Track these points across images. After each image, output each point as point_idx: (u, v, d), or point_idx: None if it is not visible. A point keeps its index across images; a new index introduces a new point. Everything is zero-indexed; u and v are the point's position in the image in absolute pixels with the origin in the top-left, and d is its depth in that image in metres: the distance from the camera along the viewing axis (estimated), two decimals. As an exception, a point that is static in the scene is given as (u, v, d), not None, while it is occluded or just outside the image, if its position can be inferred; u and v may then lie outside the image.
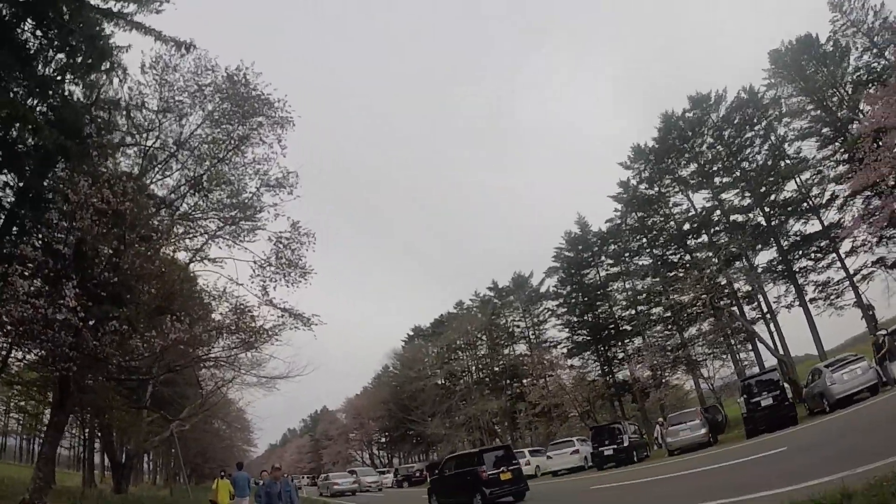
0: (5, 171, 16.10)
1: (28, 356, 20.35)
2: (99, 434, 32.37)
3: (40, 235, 16.15)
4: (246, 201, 19.34)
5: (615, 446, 25.77)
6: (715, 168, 39.98)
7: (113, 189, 14.58)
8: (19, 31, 15.62)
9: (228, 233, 19.72)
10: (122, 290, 15.31)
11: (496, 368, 62.68)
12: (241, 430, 62.80)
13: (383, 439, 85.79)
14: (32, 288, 14.06)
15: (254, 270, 18.70)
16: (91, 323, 14.54)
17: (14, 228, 16.72)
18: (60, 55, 16.58)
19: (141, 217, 15.64)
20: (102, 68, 17.04)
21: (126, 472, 31.12)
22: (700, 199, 41.13)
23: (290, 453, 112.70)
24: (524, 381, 58.77)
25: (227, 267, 19.88)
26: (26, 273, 13.99)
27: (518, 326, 62.70)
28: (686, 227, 41.53)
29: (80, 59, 16.44)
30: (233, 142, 18.51)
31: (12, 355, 22.85)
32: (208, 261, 20.14)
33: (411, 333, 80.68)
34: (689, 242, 41.28)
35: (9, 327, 13.71)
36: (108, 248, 15.24)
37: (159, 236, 17.54)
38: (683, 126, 41.17)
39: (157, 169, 18.28)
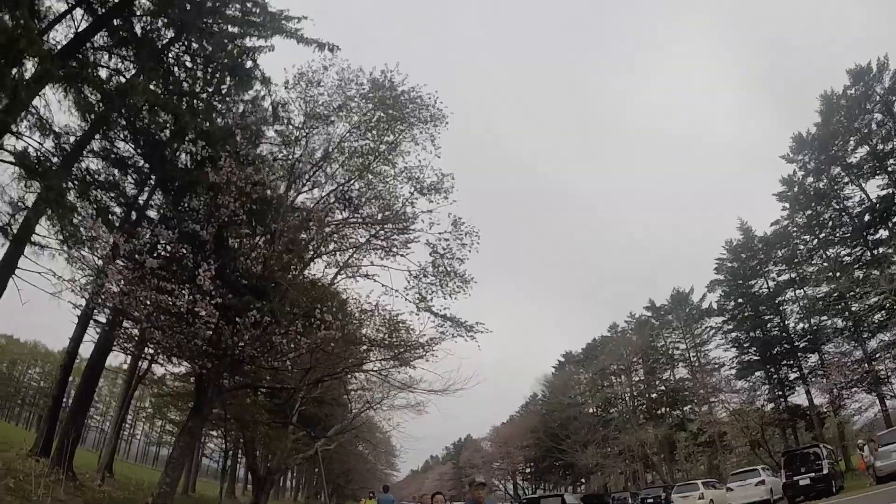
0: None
1: (172, 362, 21.98)
2: (243, 447, 34.74)
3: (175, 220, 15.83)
4: (398, 212, 19.63)
5: (813, 474, 23.20)
6: (889, 147, 36.40)
7: (258, 171, 14.77)
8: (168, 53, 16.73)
9: (380, 247, 20.17)
10: (266, 284, 14.69)
11: (653, 395, 61.25)
12: (386, 454, 64.81)
13: (528, 469, 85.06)
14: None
15: (408, 282, 18.88)
16: (228, 314, 14.17)
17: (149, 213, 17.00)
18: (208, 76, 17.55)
19: (287, 226, 16.18)
20: (249, 90, 17.82)
21: (266, 486, 33.00)
22: (874, 186, 37.76)
23: (431, 480, 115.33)
24: (685, 408, 56.33)
25: (380, 280, 20.36)
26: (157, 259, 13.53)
27: (678, 348, 61.02)
28: (866, 218, 38.10)
29: (227, 82, 17.30)
30: (383, 148, 19.10)
31: (159, 362, 25.08)
32: (360, 276, 20.78)
33: (562, 359, 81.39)
34: (868, 238, 38.11)
35: (143, 313, 13.31)
36: (252, 238, 14.87)
37: (307, 249, 17.87)
38: (847, 105, 38.21)
39: (303, 183, 18.76)
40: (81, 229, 14.33)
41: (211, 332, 14.06)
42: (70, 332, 18.60)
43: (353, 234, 20.70)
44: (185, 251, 13.67)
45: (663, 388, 60.33)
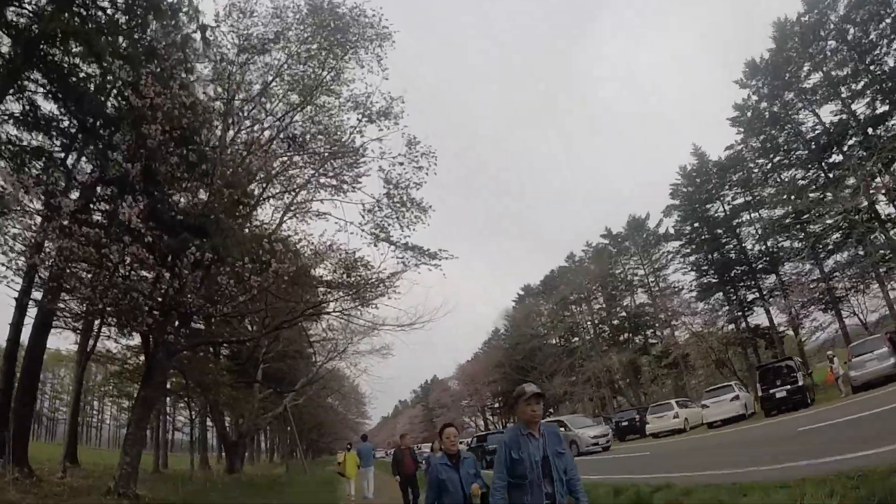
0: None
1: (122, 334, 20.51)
2: (210, 414, 33.81)
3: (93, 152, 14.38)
4: (346, 143, 18.61)
5: (788, 387, 23.41)
6: (843, 73, 37.07)
7: (188, 93, 13.37)
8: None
9: (330, 186, 19.39)
10: (206, 220, 13.09)
11: (615, 322, 62.80)
12: (356, 403, 64.86)
13: (497, 404, 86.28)
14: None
15: (363, 217, 18.18)
16: (165, 257, 12.93)
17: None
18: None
19: (225, 160, 14.80)
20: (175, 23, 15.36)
21: (239, 451, 32.47)
22: (827, 112, 38.71)
23: (402, 424, 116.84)
24: (647, 332, 57.33)
25: (333, 217, 19.22)
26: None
27: (636, 274, 62.71)
28: (822, 141, 38.78)
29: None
30: (326, 77, 17.91)
31: (109, 335, 23.75)
32: (310, 216, 19.84)
33: (521, 293, 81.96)
34: (823, 162, 38.97)
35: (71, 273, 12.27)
36: (185, 170, 13.38)
37: (249, 189, 16.76)
38: (801, 31, 38.60)
39: (242, 121, 17.34)
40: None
41: (149, 283, 13.05)
42: (7, 320, 17.14)
43: (299, 174, 19.52)
44: (109, 192, 12.59)
45: (624, 314, 62.05)
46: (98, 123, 13.95)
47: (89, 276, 12.76)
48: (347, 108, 18.75)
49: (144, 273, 13.50)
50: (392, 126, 18.26)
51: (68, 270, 12.46)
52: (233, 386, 29.12)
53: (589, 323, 66.62)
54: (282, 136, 18.77)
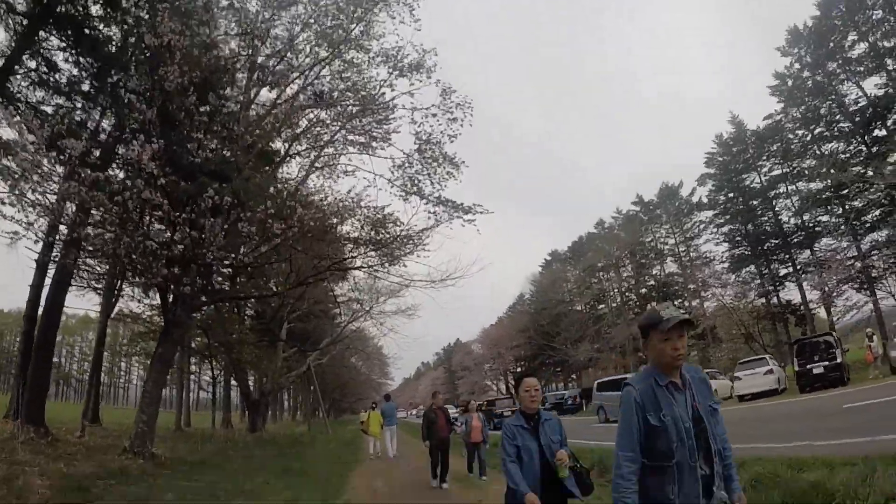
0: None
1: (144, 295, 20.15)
2: (234, 373, 33.94)
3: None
4: (375, 97, 17.98)
5: (826, 363, 22.52)
6: (890, 44, 35.40)
7: (208, 29, 13.02)
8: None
9: (359, 143, 18.83)
10: (227, 166, 12.67)
11: (642, 290, 61.86)
12: (379, 364, 65.12)
13: (519, 368, 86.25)
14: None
15: (393, 173, 17.86)
16: (181, 204, 12.29)
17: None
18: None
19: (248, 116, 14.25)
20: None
21: (262, 410, 32.54)
22: (871, 85, 37.17)
23: (423, 386, 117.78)
24: (675, 301, 56.24)
25: (362, 173, 18.64)
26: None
27: (666, 243, 61.57)
28: (868, 113, 37.19)
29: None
30: (355, 31, 17.22)
31: (131, 295, 23.55)
32: (338, 174, 19.34)
33: (549, 258, 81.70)
34: (866, 136, 37.62)
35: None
36: (203, 114, 12.81)
37: (272, 145, 16.34)
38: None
39: (268, 76, 16.88)
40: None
41: (166, 231, 12.51)
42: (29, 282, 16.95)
43: (326, 131, 18.97)
44: (123, 134, 12.11)
45: (653, 283, 61.31)
46: (113, 68, 13.48)
47: (101, 229, 12.37)
48: (377, 63, 18.23)
49: (159, 224, 12.96)
50: (424, 79, 17.64)
51: (79, 219, 12.09)
52: (256, 345, 29.06)
53: (616, 291, 66.03)
54: (308, 91, 18.20)
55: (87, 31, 13.51)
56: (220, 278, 26.00)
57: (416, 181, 17.85)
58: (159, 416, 14.29)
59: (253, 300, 32.65)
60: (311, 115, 19.12)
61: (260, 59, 16.62)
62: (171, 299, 14.76)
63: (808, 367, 23.01)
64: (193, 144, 12.37)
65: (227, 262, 14.23)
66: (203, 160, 12.50)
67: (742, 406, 24.01)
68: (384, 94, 18.26)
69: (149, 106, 12.06)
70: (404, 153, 18.02)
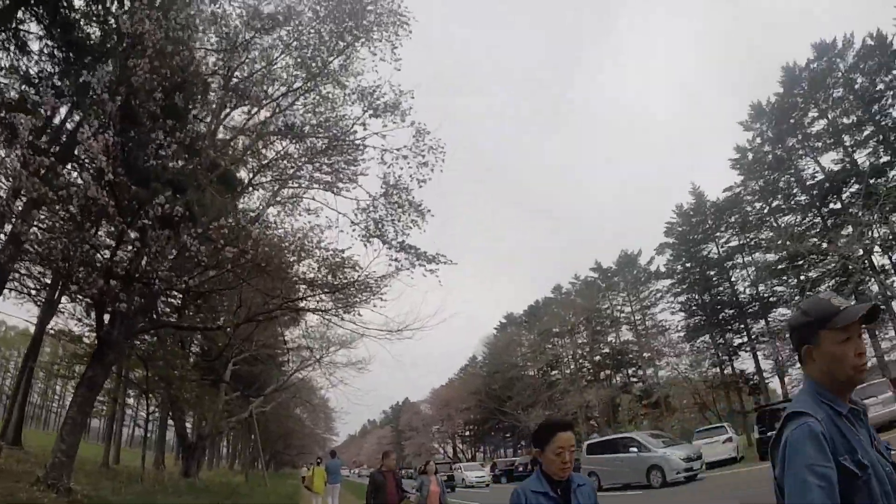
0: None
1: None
2: (171, 411, 31.79)
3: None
4: (346, 136, 17.31)
5: None
6: (848, 122, 37.56)
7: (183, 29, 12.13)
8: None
9: (324, 182, 18.12)
10: (185, 178, 11.83)
11: (596, 357, 60.43)
12: (325, 418, 62.92)
13: (468, 432, 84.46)
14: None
15: (356, 216, 16.76)
16: (130, 211, 11.29)
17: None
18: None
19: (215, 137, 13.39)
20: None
21: (197, 454, 30.48)
22: (828, 160, 39.23)
23: (369, 444, 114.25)
24: (629, 370, 56.18)
25: (325, 213, 17.80)
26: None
27: (622, 311, 61.18)
28: (824, 187, 38.87)
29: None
30: (334, 65, 16.73)
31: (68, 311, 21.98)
32: (300, 213, 18.38)
33: (504, 321, 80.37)
34: (822, 209, 39.03)
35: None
36: (168, 122, 11.76)
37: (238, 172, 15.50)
38: (809, 77, 39.06)
39: (240, 98, 16.25)
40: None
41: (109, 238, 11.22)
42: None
43: (292, 165, 18.09)
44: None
45: (608, 350, 60.13)
46: (84, 57, 12.57)
47: (45, 230, 11.23)
48: (352, 101, 17.55)
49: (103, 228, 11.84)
50: (398, 121, 16.98)
51: (24, 215, 10.93)
52: (198, 382, 27.36)
53: (570, 357, 65.30)
54: (279, 121, 17.48)
55: (64, 14, 12.67)
56: (167, 309, 24.85)
57: (379, 225, 17.02)
58: (88, 449, 12.87)
59: (199, 335, 31.25)
60: (280, 147, 18.35)
61: (234, 80, 15.97)
62: (108, 318, 13.48)
63: (769, 434, 21.78)
64: (152, 148, 11.46)
65: (172, 284, 13.17)
66: (160, 167, 11.56)
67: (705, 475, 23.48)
68: (356, 132, 17.60)
69: (112, 98, 11.08)
70: (370, 195, 17.22)
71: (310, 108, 17.99)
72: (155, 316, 14.66)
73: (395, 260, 16.26)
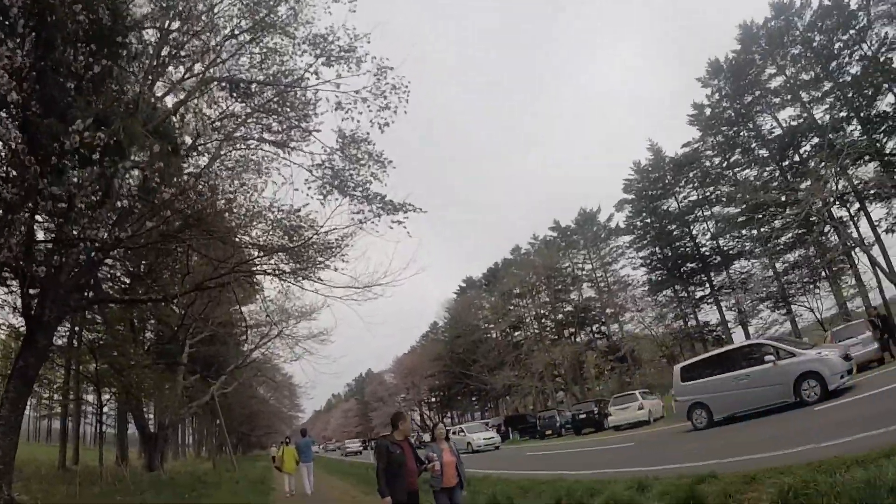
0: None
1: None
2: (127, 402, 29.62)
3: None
4: (298, 93, 15.45)
5: None
6: (807, 78, 38.10)
7: None
8: None
9: (273, 142, 16.44)
10: (112, 108, 10.01)
11: (559, 316, 60.90)
12: (290, 396, 61.25)
13: (434, 399, 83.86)
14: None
15: (312, 172, 15.29)
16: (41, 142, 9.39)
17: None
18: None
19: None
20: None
21: (159, 445, 28.74)
22: (785, 116, 39.82)
23: (335, 418, 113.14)
24: (593, 327, 55.95)
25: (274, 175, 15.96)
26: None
27: (583, 269, 61.37)
28: (783, 141, 39.44)
29: None
30: (284, 10, 14.86)
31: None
32: (248, 173, 16.59)
33: (463, 285, 79.59)
34: (783, 163, 39.69)
35: None
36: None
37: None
38: (767, 34, 39.54)
39: (180, 53, 14.31)
40: None
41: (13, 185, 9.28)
42: None
43: (239, 126, 16.24)
44: None
45: (570, 308, 60.00)
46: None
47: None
48: (302, 52, 15.58)
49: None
50: (354, 69, 15.15)
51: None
52: (152, 367, 25.40)
53: (533, 317, 64.84)
54: (224, 77, 15.63)
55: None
56: (112, 286, 22.88)
57: (338, 176, 15.38)
58: (47, 452, 11.07)
59: (152, 319, 29.31)
60: (224, 106, 16.44)
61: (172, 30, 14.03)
62: (37, 295, 11.55)
63: None
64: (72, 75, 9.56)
65: (103, 242, 10.96)
66: (83, 102, 9.71)
67: (678, 425, 22.76)
68: (306, 84, 15.80)
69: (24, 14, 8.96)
70: (326, 150, 15.52)
71: (256, 63, 16.24)
72: (94, 293, 12.90)
73: (358, 212, 14.75)
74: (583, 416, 32.54)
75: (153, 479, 22.46)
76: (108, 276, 23.84)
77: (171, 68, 15.22)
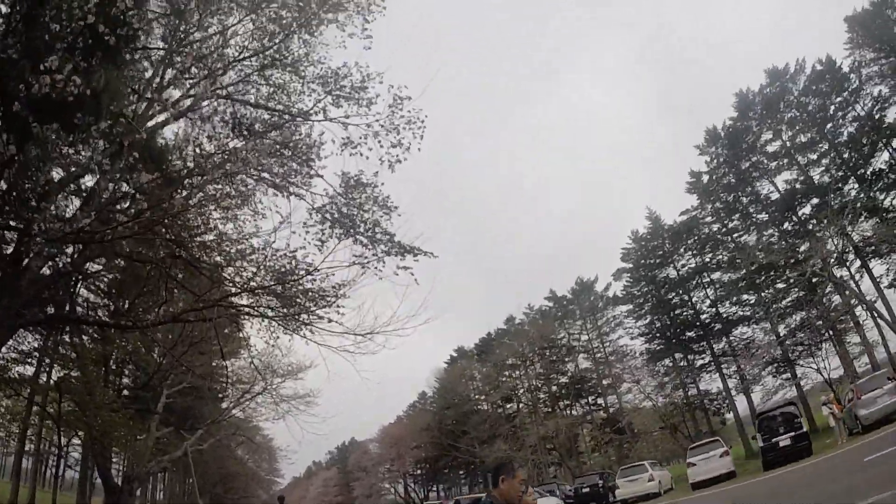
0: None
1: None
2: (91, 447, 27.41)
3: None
4: (302, 140, 14.40)
5: (793, 433, 21.01)
6: (804, 140, 38.73)
7: None
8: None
9: (272, 184, 15.08)
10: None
11: (553, 388, 59.31)
12: (269, 459, 58.39)
13: (419, 471, 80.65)
14: None
15: (310, 215, 13.76)
16: None
17: None
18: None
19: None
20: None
21: (124, 498, 26.25)
22: (782, 181, 40.25)
23: (315, 486, 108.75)
24: (589, 398, 54.21)
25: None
26: None
27: (579, 340, 60.15)
28: (781, 205, 39.60)
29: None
30: (298, 53, 14.23)
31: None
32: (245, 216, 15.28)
33: (454, 354, 77.23)
34: (782, 226, 39.64)
35: None
36: None
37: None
38: (762, 101, 40.11)
39: (184, 77, 13.57)
40: None
41: None
42: None
43: (238, 166, 14.99)
44: None
45: (565, 380, 58.22)
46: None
47: None
48: (310, 91, 14.60)
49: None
50: (364, 110, 14.09)
51: None
52: (117, 411, 23.30)
53: (526, 388, 62.64)
54: (228, 112, 14.58)
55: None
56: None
57: (343, 217, 14.01)
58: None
59: (130, 363, 27.58)
60: (224, 142, 15.25)
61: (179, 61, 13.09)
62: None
63: (774, 440, 21.41)
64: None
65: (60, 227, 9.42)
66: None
67: (697, 495, 21.38)
68: (314, 118, 14.71)
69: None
70: (328, 195, 14.21)
71: (262, 98, 15.23)
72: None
73: (361, 255, 13.25)
74: (586, 489, 29.81)
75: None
76: (84, 304, 22.49)
77: (171, 89, 14.31)
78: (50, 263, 11.06)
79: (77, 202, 11.15)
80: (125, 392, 27.68)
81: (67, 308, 14.43)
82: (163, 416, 28.49)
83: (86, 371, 23.16)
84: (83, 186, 9.61)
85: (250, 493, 64.45)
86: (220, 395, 32.95)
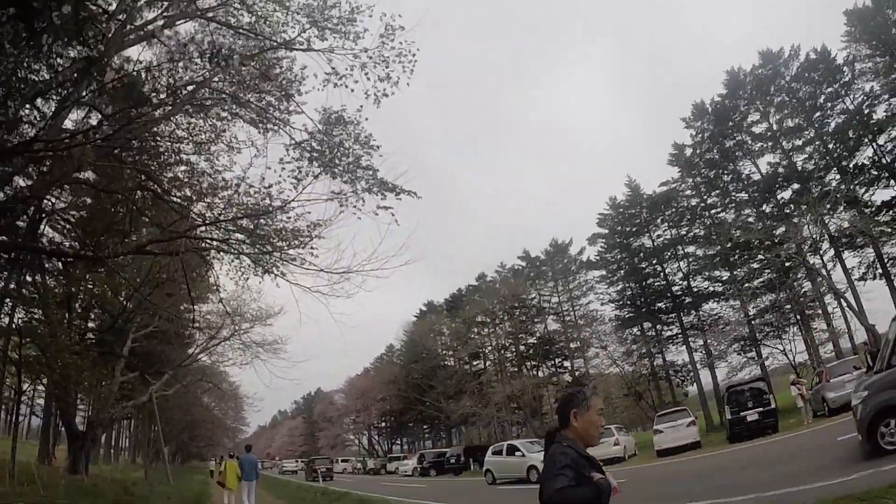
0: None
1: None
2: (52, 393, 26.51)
3: None
4: (283, 73, 13.63)
5: (761, 409, 21.82)
6: (790, 125, 38.70)
7: None
8: None
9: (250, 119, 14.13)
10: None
11: (521, 347, 59.24)
12: (235, 407, 57.98)
13: (384, 424, 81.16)
14: None
15: (288, 151, 13.04)
16: None
17: None
18: None
19: None
20: None
21: (86, 446, 25.72)
22: (765, 163, 40.53)
23: (280, 435, 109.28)
24: (556, 360, 54.50)
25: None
26: None
27: (549, 301, 60.04)
28: (761, 186, 40.06)
29: None
30: None
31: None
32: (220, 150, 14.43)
33: (424, 308, 77.51)
34: (763, 207, 39.96)
35: None
36: None
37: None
38: (753, 81, 40.05)
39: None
40: None
41: None
42: None
43: (213, 97, 14.13)
44: None
45: (534, 340, 58.27)
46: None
47: None
48: (294, 23, 13.69)
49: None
50: (351, 44, 13.29)
51: None
52: (79, 353, 22.55)
53: (494, 346, 62.95)
54: (206, 41, 13.68)
55: None
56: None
57: (323, 153, 13.27)
58: None
59: (95, 305, 26.70)
60: (200, 70, 14.33)
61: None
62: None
63: (742, 413, 22.03)
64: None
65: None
66: None
67: (663, 462, 21.72)
68: (293, 60, 13.85)
69: None
70: (307, 130, 13.43)
71: (239, 30, 14.28)
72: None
73: (340, 192, 12.66)
74: (551, 450, 30.19)
75: (72, 484, 19.69)
76: (49, 244, 21.58)
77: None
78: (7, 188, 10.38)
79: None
80: (89, 336, 26.69)
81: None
82: (128, 361, 27.86)
83: (49, 313, 22.41)
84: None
85: (216, 441, 64.36)
86: (187, 340, 32.39)
